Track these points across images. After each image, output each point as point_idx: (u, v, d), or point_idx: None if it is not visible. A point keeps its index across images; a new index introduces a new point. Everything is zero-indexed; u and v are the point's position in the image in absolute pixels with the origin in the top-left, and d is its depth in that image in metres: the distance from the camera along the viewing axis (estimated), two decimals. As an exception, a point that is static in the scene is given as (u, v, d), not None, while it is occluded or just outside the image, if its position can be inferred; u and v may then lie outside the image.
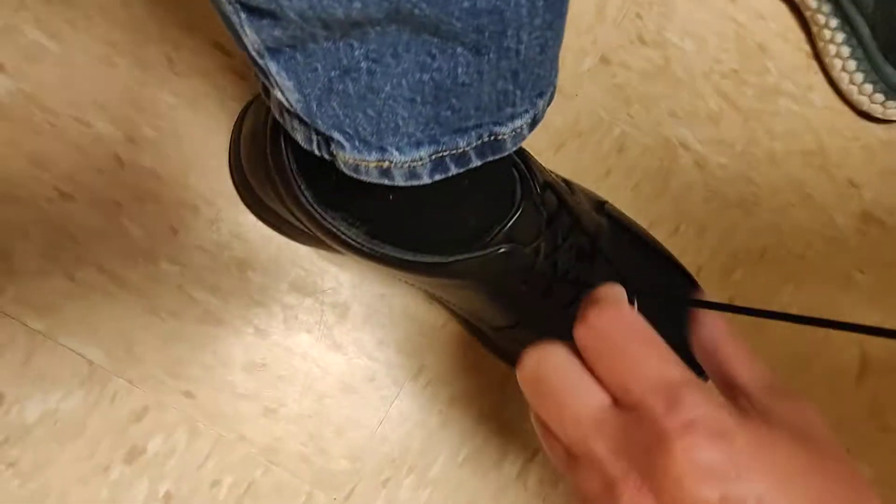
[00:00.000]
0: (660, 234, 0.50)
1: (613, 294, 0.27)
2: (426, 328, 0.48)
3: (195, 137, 0.46)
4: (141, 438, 0.44)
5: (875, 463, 0.52)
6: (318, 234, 0.38)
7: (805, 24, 0.55)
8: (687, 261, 0.47)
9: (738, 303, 0.51)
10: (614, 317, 0.25)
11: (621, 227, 0.45)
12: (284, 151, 0.35)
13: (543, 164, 0.40)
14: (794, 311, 0.52)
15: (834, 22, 0.52)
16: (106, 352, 0.44)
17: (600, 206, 0.45)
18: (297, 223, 0.41)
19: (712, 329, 0.29)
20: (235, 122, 0.45)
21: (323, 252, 0.47)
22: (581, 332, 0.25)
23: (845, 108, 0.54)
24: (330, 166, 0.33)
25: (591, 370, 0.25)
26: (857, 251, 0.53)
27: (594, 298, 0.26)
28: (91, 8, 0.46)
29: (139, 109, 0.46)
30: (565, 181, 0.44)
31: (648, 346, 0.24)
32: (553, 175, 0.41)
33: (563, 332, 0.41)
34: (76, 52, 0.46)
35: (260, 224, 0.46)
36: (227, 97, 0.47)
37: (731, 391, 0.27)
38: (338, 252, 0.43)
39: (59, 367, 0.43)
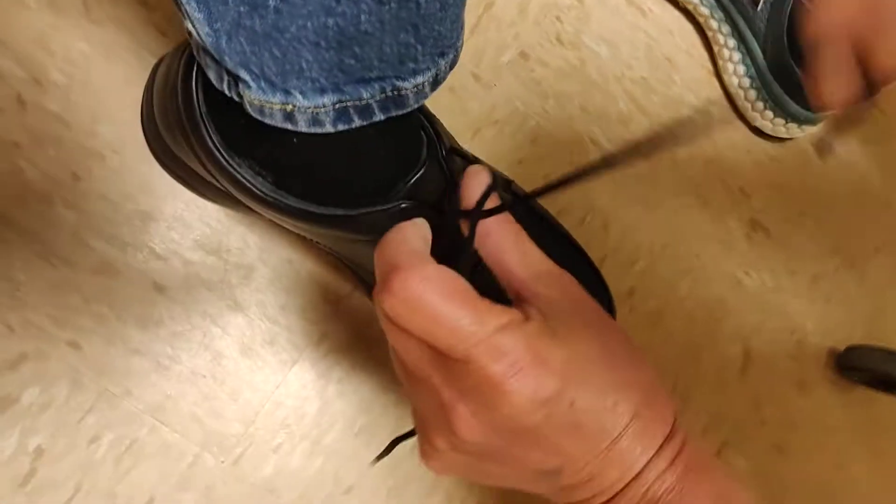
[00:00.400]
0: (566, 224, 0.52)
1: (412, 254, 0.28)
2: (332, 296, 0.47)
3: (108, 87, 0.45)
4: (15, 388, 0.41)
5: (752, 456, 0.54)
6: (224, 182, 0.38)
7: (708, 43, 0.59)
8: (591, 251, 0.49)
9: (638, 295, 0.54)
10: (418, 281, 0.26)
11: (527, 206, 0.46)
12: (195, 94, 0.35)
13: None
14: (689, 304, 0.55)
15: (731, 42, 0.56)
16: (-13, 295, 0.41)
17: (507, 184, 0.46)
18: (206, 174, 0.41)
19: (496, 233, 0.32)
20: (151, 71, 0.45)
21: (231, 212, 0.46)
22: (388, 303, 0.27)
23: (741, 123, 0.59)
24: (238, 111, 0.33)
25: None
26: (745, 254, 0.57)
27: (394, 264, 0.27)
28: (8, -54, 0.45)
29: (49, 53, 0.45)
30: (475, 158, 0.46)
31: (458, 303, 0.26)
32: (454, 143, 0.43)
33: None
34: (-13, -12, 0.44)
35: (168, 178, 0.45)
36: (145, 51, 0.46)
37: (515, 292, 0.30)
38: (246, 210, 0.43)
39: (-68, 306, 0.40)
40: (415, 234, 0.30)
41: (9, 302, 0.42)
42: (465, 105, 0.53)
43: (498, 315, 0.26)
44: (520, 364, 0.25)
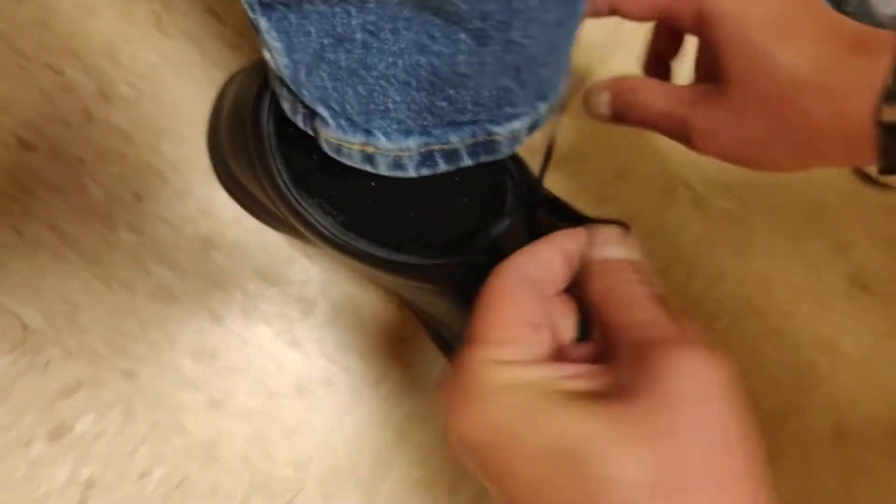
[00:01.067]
0: (648, 271, 0.48)
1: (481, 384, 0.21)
2: (394, 337, 0.45)
3: (174, 103, 0.43)
4: (70, 415, 0.40)
5: (837, 533, 0.50)
6: (291, 219, 0.36)
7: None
8: (672, 301, 0.45)
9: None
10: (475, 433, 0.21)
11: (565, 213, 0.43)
12: (266, 125, 0.33)
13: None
14: (776, 367, 0.51)
15: None
16: (45, 316, 0.40)
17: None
18: (271, 206, 0.39)
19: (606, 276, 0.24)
20: (219, 92, 0.43)
21: (295, 242, 0.44)
22: (451, 434, 0.21)
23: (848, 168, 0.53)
24: (311, 147, 0.31)
25: None
26: (843, 315, 0.52)
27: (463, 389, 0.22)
28: (82, -49, 0.43)
29: (117, 64, 0.43)
30: (558, 200, 0.42)
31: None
32: (548, 192, 0.39)
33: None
34: (60, -3, 0.42)
35: (231, 203, 0.43)
36: (215, 67, 0.44)
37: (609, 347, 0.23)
38: (310, 243, 0.40)
39: (-9, 327, 0.40)
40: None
41: (67, 326, 0.40)
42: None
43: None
44: None
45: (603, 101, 0.33)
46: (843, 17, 0.28)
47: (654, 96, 0.31)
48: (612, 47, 0.51)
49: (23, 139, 0.41)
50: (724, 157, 0.30)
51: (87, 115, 0.42)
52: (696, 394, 0.18)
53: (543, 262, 0.24)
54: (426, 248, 0.34)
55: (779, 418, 0.50)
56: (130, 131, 0.43)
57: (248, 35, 0.45)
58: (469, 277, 0.35)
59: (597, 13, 0.33)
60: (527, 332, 0.22)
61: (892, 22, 0.49)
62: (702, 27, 0.29)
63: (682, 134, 0.30)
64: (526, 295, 0.23)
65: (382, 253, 0.34)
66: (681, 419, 0.18)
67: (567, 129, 0.50)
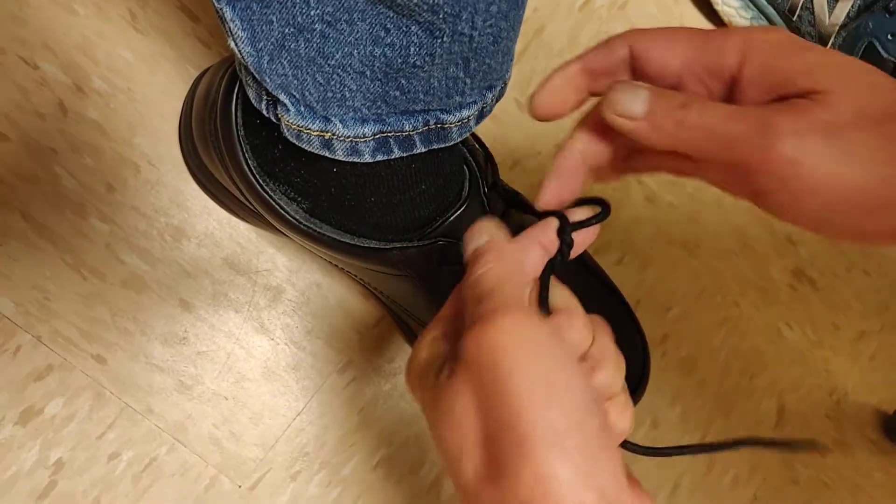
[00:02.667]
0: (604, 262, 0.50)
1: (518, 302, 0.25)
2: (358, 324, 0.47)
3: (148, 98, 0.45)
4: (40, 399, 0.41)
5: (782, 514, 0.53)
6: (258, 206, 0.37)
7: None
8: (626, 292, 0.47)
9: (672, 341, 0.52)
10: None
11: (561, 241, 0.45)
12: (234, 114, 0.34)
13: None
14: (724, 354, 0.53)
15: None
16: (17, 303, 0.41)
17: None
18: (239, 195, 0.40)
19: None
20: (191, 86, 0.44)
21: (263, 232, 0.45)
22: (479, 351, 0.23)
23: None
24: (276, 136, 0.32)
25: None
26: (787, 306, 0.55)
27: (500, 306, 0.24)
28: (59, -50, 0.45)
29: (93, 60, 0.44)
30: (516, 193, 0.44)
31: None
32: (505, 183, 0.41)
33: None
34: (36, -8, 0.44)
35: (202, 194, 0.45)
36: (188, 63, 0.46)
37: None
38: (277, 232, 0.42)
39: (-37, 312, 0.40)
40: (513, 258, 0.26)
41: (38, 312, 0.41)
42: (508, 133, 0.52)
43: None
44: None
45: (642, 97, 0.24)
46: None
47: (709, 105, 0.23)
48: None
49: (-3, 130, 0.42)
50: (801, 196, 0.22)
51: (61, 107, 0.43)
52: (481, 355, 0.22)
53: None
54: (387, 232, 0.36)
55: (727, 402, 0.53)
56: (104, 124, 0.44)
57: (221, 33, 0.46)
58: (428, 260, 0.37)
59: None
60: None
61: (834, 31, 0.52)
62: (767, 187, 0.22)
63: (752, 142, 0.22)
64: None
65: (346, 238, 0.36)
66: (474, 372, 0.22)
67: (518, 128, 0.52)
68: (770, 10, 0.53)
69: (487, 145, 0.39)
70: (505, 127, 0.52)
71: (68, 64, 0.44)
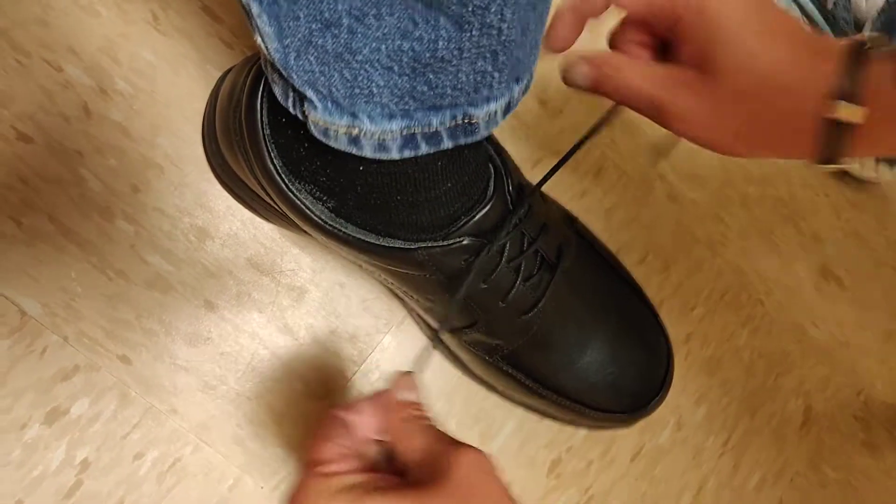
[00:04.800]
0: (626, 262, 0.50)
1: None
2: (382, 323, 0.46)
3: (171, 99, 0.45)
4: (66, 399, 0.41)
5: (810, 516, 0.52)
6: (282, 206, 0.37)
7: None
8: (650, 292, 0.47)
9: (696, 341, 0.52)
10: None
11: (589, 245, 0.45)
12: (259, 114, 0.34)
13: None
14: (749, 353, 0.53)
15: None
16: (43, 305, 0.41)
17: (571, 221, 0.45)
18: (263, 195, 0.40)
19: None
20: (214, 87, 0.44)
21: (286, 232, 0.45)
22: None
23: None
24: (303, 134, 0.32)
25: None
26: (814, 304, 0.54)
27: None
28: (82, -47, 0.45)
29: (116, 62, 0.44)
30: (540, 192, 0.44)
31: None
32: (528, 182, 0.41)
33: (515, 338, 0.41)
34: (60, -5, 0.44)
35: (226, 195, 0.45)
36: (210, 63, 0.46)
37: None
38: (301, 232, 0.42)
39: (-10, 313, 0.41)
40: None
41: (64, 313, 0.42)
42: (529, 132, 0.51)
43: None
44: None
45: (582, 72, 0.33)
46: (798, 21, 0.30)
47: (634, 75, 0.32)
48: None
49: (21, 132, 0.42)
50: (694, 140, 0.32)
51: (85, 110, 0.44)
52: (480, 472, 0.27)
53: (357, 409, 0.31)
54: (412, 231, 0.36)
55: (752, 403, 0.52)
56: (128, 126, 0.44)
57: (243, 33, 0.47)
58: (453, 260, 0.37)
59: (595, 12, 0.34)
60: (343, 452, 0.29)
61: (871, 18, 0.51)
62: (685, 17, 0.30)
63: (657, 115, 0.32)
64: (340, 428, 0.30)
65: (371, 238, 0.36)
66: (474, 488, 0.26)
67: (539, 127, 0.52)
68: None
69: (510, 144, 0.39)
70: (527, 126, 0.51)
71: (92, 66, 0.44)
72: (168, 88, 0.45)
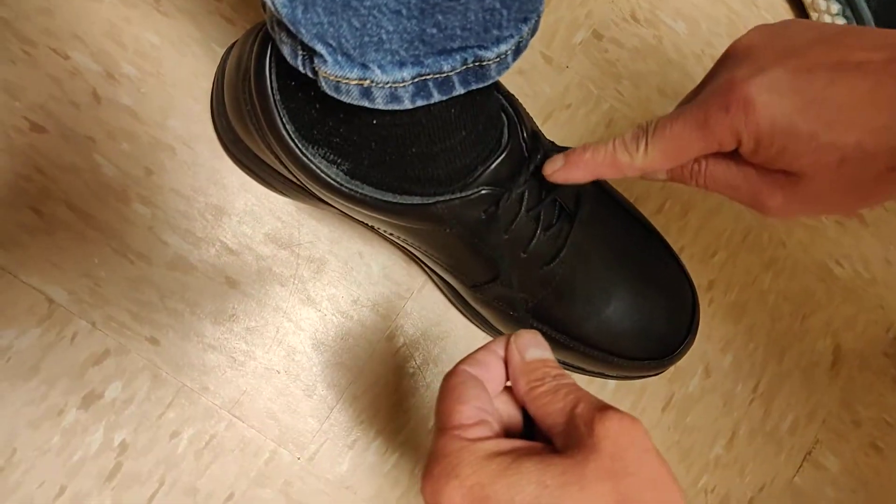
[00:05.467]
0: (644, 210, 0.50)
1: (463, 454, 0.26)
2: (403, 289, 0.46)
3: (178, 79, 0.45)
4: (99, 383, 0.42)
5: (845, 456, 0.52)
6: (297, 173, 0.37)
7: (803, 10, 0.55)
8: (670, 239, 0.47)
9: (719, 287, 0.51)
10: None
11: (606, 194, 0.45)
12: (268, 80, 0.34)
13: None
14: (773, 296, 0.52)
15: (835, 7, 0.52)
16: (69, 291, 0.42)
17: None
18: (278, 165, 0.40)
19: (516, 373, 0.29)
20: (220, 62, 0.44)
21: (302, 205, 0.45)
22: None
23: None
24: (312, 97, 0.32)
25: None
26: (836, 243, 0.54)
27: (444, 458, 0.26)
28: (78, -60, 0.45)
29: (121, 46, 0.44)
30: (553, 143, 0.44)
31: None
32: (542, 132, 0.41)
33: (537, 290, 0.41)
34: (59, -16, 0.44)
35: (239, 171, 0.45)
36: (213, 41, 0.46)
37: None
38: (317, 202, 0.42)
39: (18, 303, 0.41)
40: (475, 405, 0.27)
41: (90, 299, 0.42)
42: (536, 88, 0.51)
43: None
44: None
45: (661, 176, 0.34)
46: (842, 70, 0.27)
47: (727, 169, 0.31)
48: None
49: (34, 122, 0.43)
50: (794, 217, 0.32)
51: (94, 96, 0.44)
52: (632, 444, 0.24)
53: (482, 363, 0.28)
54: (429, 185, 0.35)
55: (780, 346, 0.52)
56: (137, 109, 0.44)
57: (243, 9, 0.46)
58: (472, 211, 0.36)
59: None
60: (483, 415, 0.26)
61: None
62: (745, 139, 0.29)
63: (755, 207, 0.31)
64: (474, 388, 0.27)
65: (388, 196, 0.36)
66: (628, 463, 0.23)
67: (546, 81, 0.51)
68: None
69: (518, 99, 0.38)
70: (533, 82, 0.51)
71: (98, 52, 0.44)
72: (174, 69, 0.45)
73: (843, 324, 0.53)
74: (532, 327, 0.43)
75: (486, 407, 0.27)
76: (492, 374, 0.28)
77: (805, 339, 0.52)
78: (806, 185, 0.29)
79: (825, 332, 0.52)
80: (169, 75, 0.45)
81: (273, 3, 0.27)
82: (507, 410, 0.29)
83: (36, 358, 0.41)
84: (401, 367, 0.46)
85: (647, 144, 0.31)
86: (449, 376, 0.28)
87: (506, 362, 0.29)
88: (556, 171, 0.35)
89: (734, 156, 0.30)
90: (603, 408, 0.25)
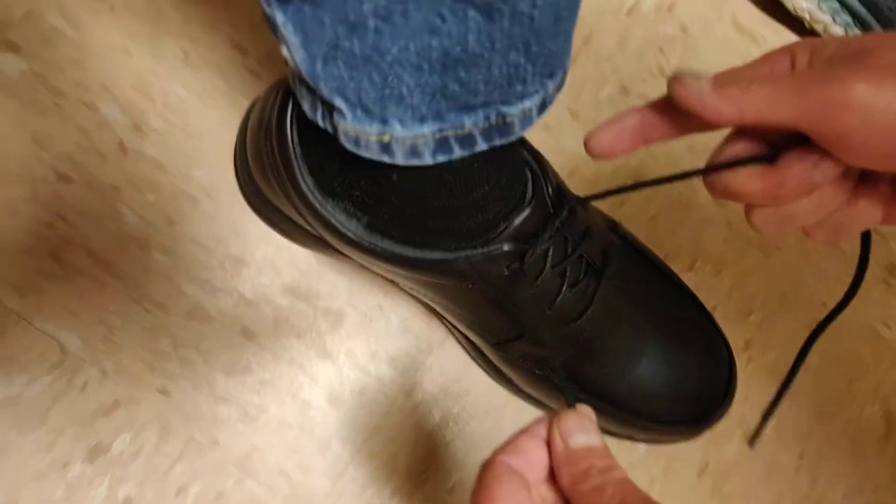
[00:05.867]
0: (675, 268, 0.48)
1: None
2: (423, 344, 0.45)
3: (203, 131, 0.45)
4: (107, 435, 0.40)
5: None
6: (317, 226, 0.37)
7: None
8: (702, 298, 0.45)
9: (756, 347, 0.49)
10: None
11: (634, 248, 0.43)
12: (289, 133, 0.34)
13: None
14: (816, 358, 0.49)
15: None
16: (82, 339, 0.41)
17: (613, 225, 0.43)
18: (297, 217, 0.40)
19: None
20: (244, 114, 0.45)
21: (322, 256, 0.45)
22: None
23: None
24: (333, 152, 0.31)
25: None
26: (883, 304, 0.51)
27: None
28: (116, 0, 0.46)
29: (149, 98, 0.45)
30: (577, 198, 0.43)
31: None
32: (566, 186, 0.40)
33: (564, 348, 0.39)
34: (94, 39, 0.45)
35: (260, 222, 0.44)
36: (240, 94, 0.46)
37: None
38: (337, 254, 0.41)
39: (30, 350, 0.41)
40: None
41: (104, 346, 0.41)
42: (562, 143, 0.50)
43: None
44: None
45: (701, 86, 0.25)
46: None
47: (781, 83, 0.24)
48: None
49: (61, 172, 0.43)
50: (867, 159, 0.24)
51: (121, 147, 0.44)
52: None
53: (522, 451, 0.26)
54: (450, 240, 0.34)
55: (826, 411, 0.48)
56: (163, 160, 0.45)
57: (269, 63, 0.47)
58: (495, 268, 0.35)
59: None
60: None
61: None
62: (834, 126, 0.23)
63: (826, 120, 0.23)
64: (510, 484, 0.24)
65: (407, 251, 0.35)
66: None
67: (572, 136, 0.51)
68: (855, 5, 0.51)
69: (544, 155, 0.38)
70: (558, 136, 0.50)
71: (126, 104, 0.45)
72: (200, 121, 0.45)
73: (893, 389, 0.49)
74: (558, 387, 0.41)
75: (525, 501, 0.24)
76: (533, 463, 0.26)
77: (852, 404, 0.49)
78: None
79: (873, 398, 0.49)
80: (195, 126, 0.45)
81: (293, 57, 0.26)
82: (552, 498, 0.26)
83: (45, 406, 0.40)
84: (419, 424, 0.44)
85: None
86: (485, 469, 0.25)
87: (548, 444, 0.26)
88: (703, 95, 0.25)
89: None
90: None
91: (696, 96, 0.25)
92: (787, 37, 0.55)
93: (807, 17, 0.53)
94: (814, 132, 0.24)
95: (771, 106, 0.24)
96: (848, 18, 0.51)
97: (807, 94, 0.23)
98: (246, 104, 0.46)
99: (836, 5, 0.51)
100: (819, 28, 0.53)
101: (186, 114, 0.45)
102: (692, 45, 0.53)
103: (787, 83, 0.24)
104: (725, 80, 0.25)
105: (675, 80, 0.25)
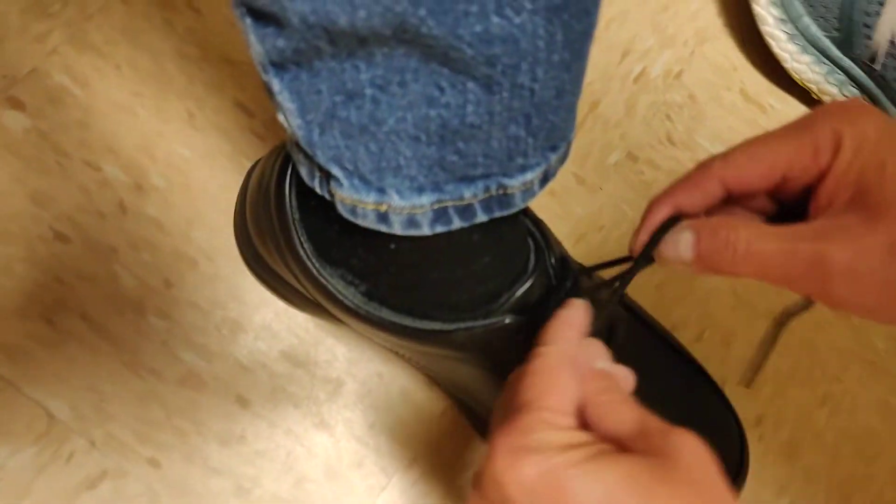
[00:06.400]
0: (682, 340, 0.47)
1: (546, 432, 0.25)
2: (424, 415, 0.43)
3: (205, 192, 0.45)
4: (92, 509, 0.39)
5: None
6: (314, 293, 0.36)
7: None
8: (711, 370, 0.43)
9: (769, 423, 0.47)
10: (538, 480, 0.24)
11: (640, 320, 0.42)
12: (288, 199, 0.34)
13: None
14: (831, 435, 0.48)
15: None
16: (72, 407, 0.40)
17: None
18: (295, 282, 0.39)
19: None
20: (245, 176, 0.44)
21: (321, 322, 0.44)
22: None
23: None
24: (331, 218, 0.31)
25: None
26: (894, 378, 0.49)
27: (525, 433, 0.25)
28: (122, 60, 0.46)
29: (152, 158, 0.45)
30: (582, 267, 0.42)
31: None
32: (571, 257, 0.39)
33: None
34: (99, 99, 0.45)
35: (258, 286, 0.43)
36: (243, 156, 0.46)
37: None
38: (336, 320, 0.40)
39: (16, 418, 0.39)
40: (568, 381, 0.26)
41: (93, 415, 0.40)
42: (569, 209, 0.50)
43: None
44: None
45: (686, 242, 0.27)
46: None
47: (760, 233, 0.25)
48: (627, 122, 0.52)
49: (59, 232, 0.42)
50: (863, 307, 0.25)
51: (121, 206, 0.44)
52: (709, 461, 0.23)
53: (572, 360, 0.27)
54: (450, 311, 0.34)
55: (843, 491, 0.46)
56: (162, 220, 0.44)
57: (276, 126, 0.47)
58: (496, 340, 0.34)
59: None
60: (575, 406, 0.25)
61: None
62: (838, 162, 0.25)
63: (817, 276, 0.24)
64: (572, 379, 0.26)
65: (406, 321, 0.34)
66: (706, 476, 0.23)
67: (579, 203, 0.50)
68: (847, 62, 0.51)
69: (551, 222, 0.37)
70: (565, 203, 0.50)
71: (129, 164, 0.44)
72: (203, 182, 0.45)
73: (912, 470, 0.48)
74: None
75: (576, 402, 0.26)
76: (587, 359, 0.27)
77: (871, 485, 0.47)
78: (889, 225, 0.23)
79: (893, 479, 0.47)
80: (197, 188, 0.45)
81: (290, 124, 0.26)
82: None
83: (27, 479, 0.38)
84: (420, 499, 0.42)
85: (736, 150, 0.27)
86: (547, 355, 0.27)
87: None
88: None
89: (788, 218, 0.26)
90: (672, 425, 0.24)
91: (686, 269, 0.28)
92: (795, 105, 0.55)
93: (814, 88, 0.53)
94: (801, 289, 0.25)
95: (760, 272, 0.26)
96: (855, 91, 0.51)
97: (794, 279, 0.25)
98: (249, 165, 0.46)
99: (844, 77, 0.51)
100: (826, 99, 0.53)
101: (189, 174, 0.45)
102: (700, 113, 0.53)
103: (776, 258, 0.25)
104: (707, 247, 0.27)
105: (657, 252, 0.28)
